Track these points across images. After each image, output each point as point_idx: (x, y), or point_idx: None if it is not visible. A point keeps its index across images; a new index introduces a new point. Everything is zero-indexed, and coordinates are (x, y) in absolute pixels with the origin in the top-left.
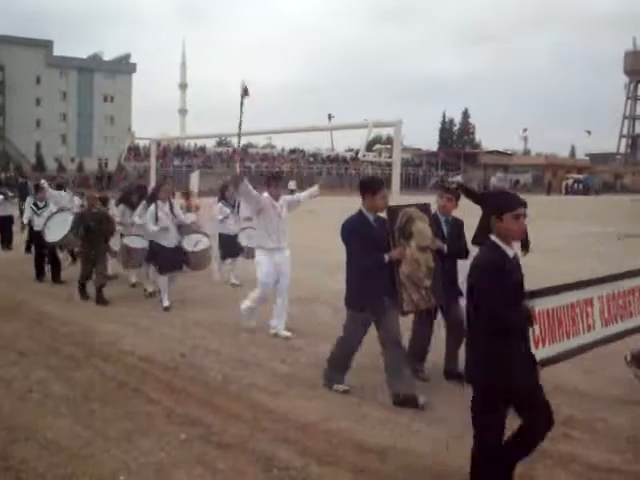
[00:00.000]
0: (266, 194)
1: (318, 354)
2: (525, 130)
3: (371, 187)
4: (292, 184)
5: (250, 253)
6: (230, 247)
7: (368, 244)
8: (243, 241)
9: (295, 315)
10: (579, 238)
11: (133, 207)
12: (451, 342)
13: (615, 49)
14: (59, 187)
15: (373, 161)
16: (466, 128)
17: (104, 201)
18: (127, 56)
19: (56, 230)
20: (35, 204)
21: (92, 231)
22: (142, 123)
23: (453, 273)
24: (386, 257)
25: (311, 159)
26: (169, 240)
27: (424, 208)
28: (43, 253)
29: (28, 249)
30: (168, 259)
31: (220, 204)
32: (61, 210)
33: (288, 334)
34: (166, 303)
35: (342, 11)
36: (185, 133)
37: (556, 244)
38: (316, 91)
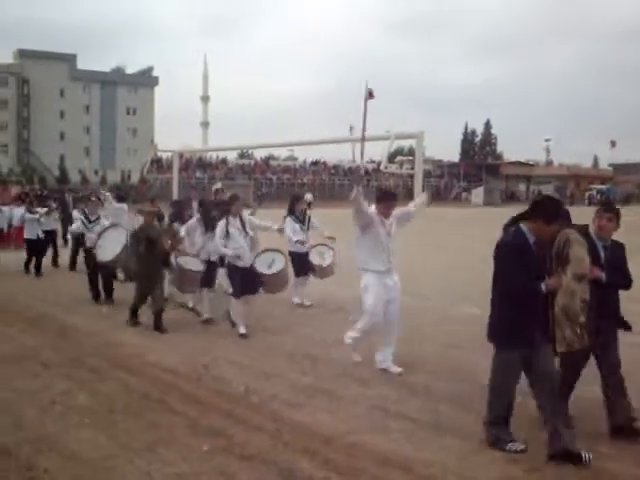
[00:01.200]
0: (373, 208)
1: (339, 364)
2: (548, 140)
3: (547, 212)
4: (309, 197)
5: (323, 272)
6: (300, 265)
7: (525, 269)
8: (315, 259)
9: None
10: None
11: (183, 222)
12: (612, 389)
13: None
14: (120, 199)
15: (395, 172)
16: (488, 139)
17: (160, 217)
18: (149, 69)
19: (109, 248)
20: (86, 217)
21: (151, 250)
22: (164, 135)
23: (613, 306)
24: (543, 286)
25: (332, 171)
26: (244, 260)
27: (584, 231)
28: (95, 272)
29: (73, 266)
30: (242, 282)
31: (289, 218)
32: (114, 225)
33: (399, 370)
34: (242, 330)
35: (360, 22)
36: (207, 145)
37: None
38: (336, 101)
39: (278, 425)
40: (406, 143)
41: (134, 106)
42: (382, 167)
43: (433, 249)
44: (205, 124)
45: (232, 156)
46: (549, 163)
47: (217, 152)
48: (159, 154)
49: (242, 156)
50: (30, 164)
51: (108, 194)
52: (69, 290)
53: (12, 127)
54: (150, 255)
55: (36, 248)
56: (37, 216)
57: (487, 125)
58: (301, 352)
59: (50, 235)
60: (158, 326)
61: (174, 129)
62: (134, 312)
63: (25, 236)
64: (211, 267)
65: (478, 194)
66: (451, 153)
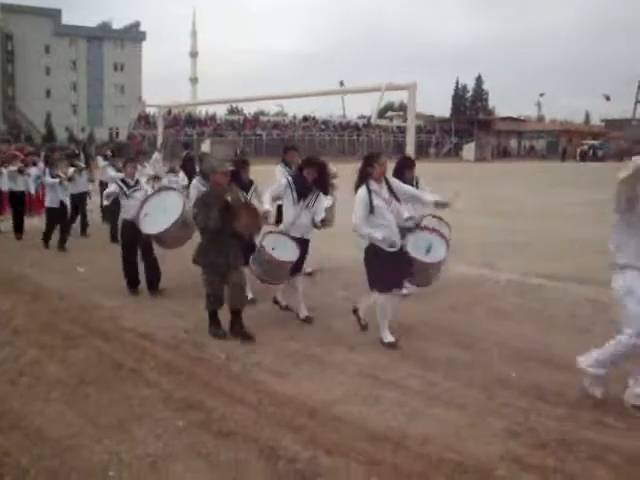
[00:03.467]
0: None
1: (330, 329)
2: (542, 95)
3: None
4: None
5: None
6: None
7: None
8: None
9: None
10: (595, 205)
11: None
12: None
13: (635, 15)
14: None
15: (385, 127)
16: (479, 95)
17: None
18: (137, 24)
19: (159, 218)
20: (124, 181)
21: (228, 225)
22: (153, 92)
23: None
24: None
25: (323, 126)
26: (395, 243)
27: None
28: (134, 250)
29: (114, 238)
30: (391, 271)
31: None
32: (166, 189)
33: None
34: (389, 339)
35: None
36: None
37: (573, 211)
38: (325, 58)
39: (260, 396)
40: (396, 98)
41: (121, 62)
42: (372, 120)
43: None
44: (194, 80)
45: (221, 112)
46: (540, 119)
47: (206, 107)
48: (147, 110)
49: (231, 112)
50: (16, 121)
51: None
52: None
53: None
54: (226, 231)
55: (60, 217)
56: (58, 180)
57: (478, 80)
58: (290, 316)
59: (79, 199)
60: (238, 329)
61: (163, 85)
62: (213, 315)
63: (46, 204)
64: (303, 249)
65: (470, 149)
66: (442, 109)
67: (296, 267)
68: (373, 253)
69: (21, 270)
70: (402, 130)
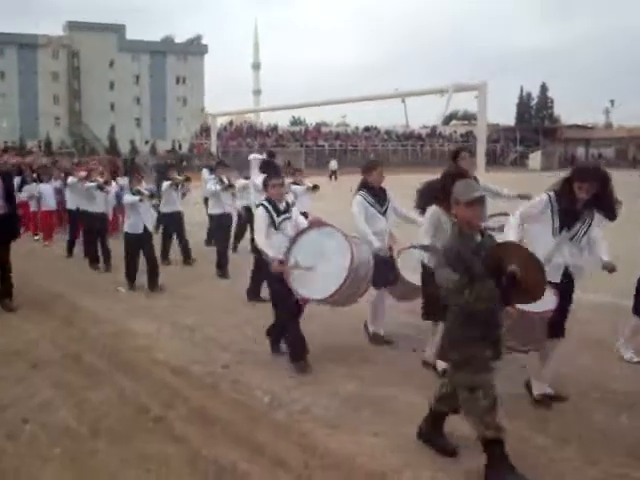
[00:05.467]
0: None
1: (395, 364)
2: (612, 102)
3: None
4: (334, 164)
5: None
6: None
7: None
8: None
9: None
10: None
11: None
12: None
13: None
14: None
15: (449, 136)
16: (544, 102)
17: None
18: (198, 37)
19: (318, 271)
20: (272, 205)
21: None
22: (215, 104)
23: None
24: None
25: (385, 136)
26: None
27: None
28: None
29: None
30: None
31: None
32: (323, 226)
33: None
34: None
35: None
36: (260, 114)
37: None
38: (386, 69)
39: (307, 457)
40: (461, 107)
41: (184, 75)
42: (439, 122)
43: None
44: (257, 92)
45: (283, 123)
46: (608, 126)
47: (268, 119)
48: (209, 122)
49: (294, 123)
50: (82, 135)
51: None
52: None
53: (64, 99)
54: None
55: (140, 245)
56: (138, 198)
57: (543, 88)
58: (350, 346)
59: (172, 220)
60: None
61: (225, 98)
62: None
63: (125, 229)
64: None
65: (535, 158)
66: (506, 117)
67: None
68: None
69: (58, 290)
70: (466, 139)
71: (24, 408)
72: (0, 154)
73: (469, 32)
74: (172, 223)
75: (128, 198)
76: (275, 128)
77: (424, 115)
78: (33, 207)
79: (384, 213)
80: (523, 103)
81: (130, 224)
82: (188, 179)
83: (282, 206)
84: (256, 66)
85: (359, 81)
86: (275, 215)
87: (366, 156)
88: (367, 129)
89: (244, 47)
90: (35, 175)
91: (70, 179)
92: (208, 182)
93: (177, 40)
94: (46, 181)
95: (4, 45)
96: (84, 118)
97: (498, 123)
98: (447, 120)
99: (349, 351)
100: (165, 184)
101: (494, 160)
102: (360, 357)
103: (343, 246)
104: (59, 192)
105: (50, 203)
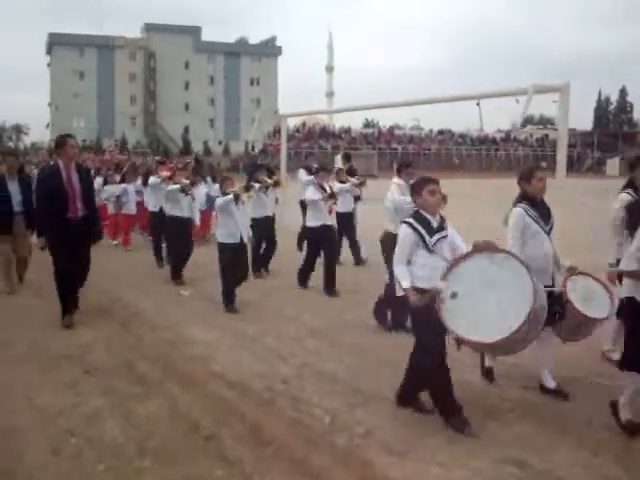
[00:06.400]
0: None
1: (464, 387)
2: None
3: None
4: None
5: None
6: None
7: None
8: None
9: None
10: None
11: None
12: None
13: None
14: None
15: (524, 141)
16: (623, 107)
17: None
18: (273, 39)
19: (484, 309)
20: (421, 218)
21: None
22: (288, 106)
23: None
24: None
25: (460, 140)
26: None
27: None
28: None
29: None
30: None
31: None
32: (493, 252)
33: None
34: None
35: None
36: (332, 116)
37: None
38: (453, 71)
39: None
40: (536, 111)
41: (257, 76)
42: (519, 122)
43: None
44: (330, 94)
45: (356, 125)
46: None
47: (341, 121)
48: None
49: (367, 125)
50: (156, 135)
51: None
52: None
53: (140, 100)
54: None
55: (236, 258)
56: (230, 197)
57: (622, 92)
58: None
59: (264, 225)
60: None
61: (298, 100)
62: None
63: (219, 238)
64: None
65: (613, 164)
66: (583, 122)
67: None
68: None
69: (118, 293)
70: (541, 143)
71: (71, 418)
72: (79, 152)
73: (540, 34)
74: (263, 230)
75: (220, 201)
76: (348, 130)
77: (499, 119)
78: (111, 210)
79: (549, 232)
80: (601, 107)
81: (225, 233)
82: (278, 183)
83: (436, 222)
84: (329, 69)
85: (433, 84)
86: (425, 233)
87: (439, 160)
88: (441, 132)
89: (317, 49)
90: (120, 176)
91: (151, 179)
92: (308, 188)
93: (251, 41)
94: (130, 181)
95: (84, 46)
96: (159, 118)
97: (575, 128)
98: (523, 124)
99: None
100: (255, 186)
101: (570, 166)
102: None
103: (523, 279)
104: (138, 193)
105: (131, 207)
